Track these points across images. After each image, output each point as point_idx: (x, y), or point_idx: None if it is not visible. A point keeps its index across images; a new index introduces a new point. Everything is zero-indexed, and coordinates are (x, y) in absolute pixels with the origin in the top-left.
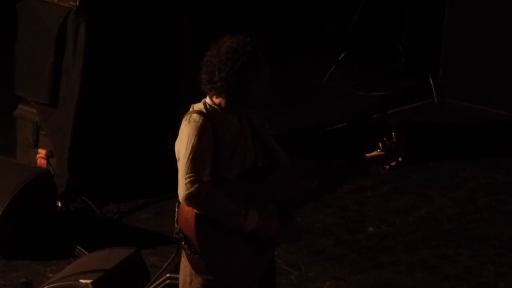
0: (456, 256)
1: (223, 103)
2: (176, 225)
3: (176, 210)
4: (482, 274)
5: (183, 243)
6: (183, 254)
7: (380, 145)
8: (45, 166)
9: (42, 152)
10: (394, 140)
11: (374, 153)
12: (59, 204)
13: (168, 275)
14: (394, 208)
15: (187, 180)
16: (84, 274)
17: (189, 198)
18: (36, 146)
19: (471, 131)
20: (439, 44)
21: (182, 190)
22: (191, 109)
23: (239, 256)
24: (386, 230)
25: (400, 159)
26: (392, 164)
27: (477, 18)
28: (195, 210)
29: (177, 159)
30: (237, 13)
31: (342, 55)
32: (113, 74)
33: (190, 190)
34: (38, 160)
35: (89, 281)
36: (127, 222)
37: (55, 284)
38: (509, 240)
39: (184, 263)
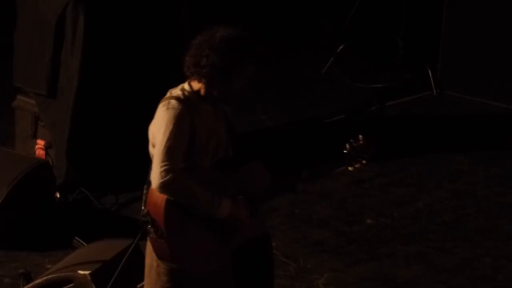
0: (454, 248)
1: (202, 91)
2: (143, 208)
3: (144, 192)
4: (479, 266)
5: (149, 226)
6: (148, 238)
7: (347, 145)
8: (43, 157)
9: (40, 143)
10: (361, 143)
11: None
12: (58, 195)
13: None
14: (392, 200)
15: (162, 168)
16: (82, 265)
17: (163, 186)
18: (35, 137)
19: (469, 124)
20: (437, 36)
21: (156, 178)
22: (168, 94)
23: (203, 244)
24: (384, 222)
25: (364, 162)
26: (357, 166)
27: (475, 11)
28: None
29: (151, 143)
30: (234, 5)
31: (341, 47)
32: (112, 65)
33: (165, 179)
34: (37, 151)
35: (87, 272)
36: (125, 213)
37: (54, 275)
38: (507, 233)
39: (151, 247)
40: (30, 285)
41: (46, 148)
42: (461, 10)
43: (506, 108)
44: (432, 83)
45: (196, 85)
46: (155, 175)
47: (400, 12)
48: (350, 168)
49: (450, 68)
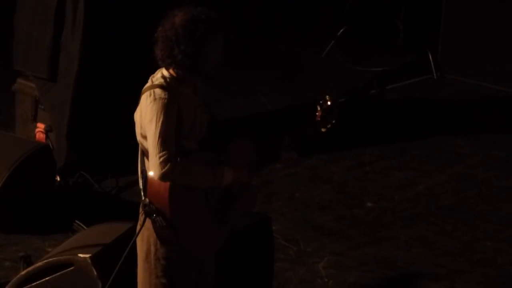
0: (454, 231)
1: (181, 75)
2: (143, 198)
3: (141, 181)
4: (480, 249)
5: (154, 215)
6: (146, 225)
7: (318, 108)
8: (44, 140)
9: (41, 126)
10: (329, 103)
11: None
12: (58, 178)
13: None
14: (392, 184)
15: (161, 159)
16: (83, 248)
17: (165, 176)
18: (35, 120)
19: (470, 107)
20: (438, 19)
21: (157, 169)
22: (149, 82)
23: (207, 226)
24: (384, 206)
25: (333, 121)
26: (328, 126)
27: None
28: (168, 183)
29: (139, 133)
30: None
31: (341, 30)
32: (112, 48)
33: (165, 169)
34: (37, 135)
35: (87, 255)
36: (126, 197)
37: (54, 258)
38: (507, 216)
39: (146, 233)
40: (30, 268)
41: (47, 131)
42: None
43: (506, 91)
44: (433, 66)
45: (174, 71)
46: (155, 167)
47: None
48: (323, 130)
49: (451, 51)
